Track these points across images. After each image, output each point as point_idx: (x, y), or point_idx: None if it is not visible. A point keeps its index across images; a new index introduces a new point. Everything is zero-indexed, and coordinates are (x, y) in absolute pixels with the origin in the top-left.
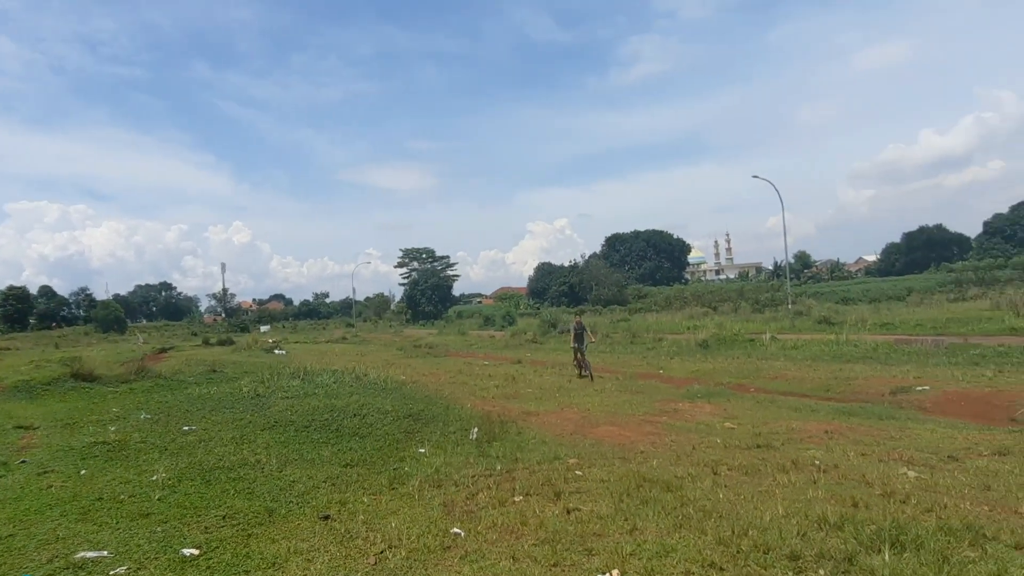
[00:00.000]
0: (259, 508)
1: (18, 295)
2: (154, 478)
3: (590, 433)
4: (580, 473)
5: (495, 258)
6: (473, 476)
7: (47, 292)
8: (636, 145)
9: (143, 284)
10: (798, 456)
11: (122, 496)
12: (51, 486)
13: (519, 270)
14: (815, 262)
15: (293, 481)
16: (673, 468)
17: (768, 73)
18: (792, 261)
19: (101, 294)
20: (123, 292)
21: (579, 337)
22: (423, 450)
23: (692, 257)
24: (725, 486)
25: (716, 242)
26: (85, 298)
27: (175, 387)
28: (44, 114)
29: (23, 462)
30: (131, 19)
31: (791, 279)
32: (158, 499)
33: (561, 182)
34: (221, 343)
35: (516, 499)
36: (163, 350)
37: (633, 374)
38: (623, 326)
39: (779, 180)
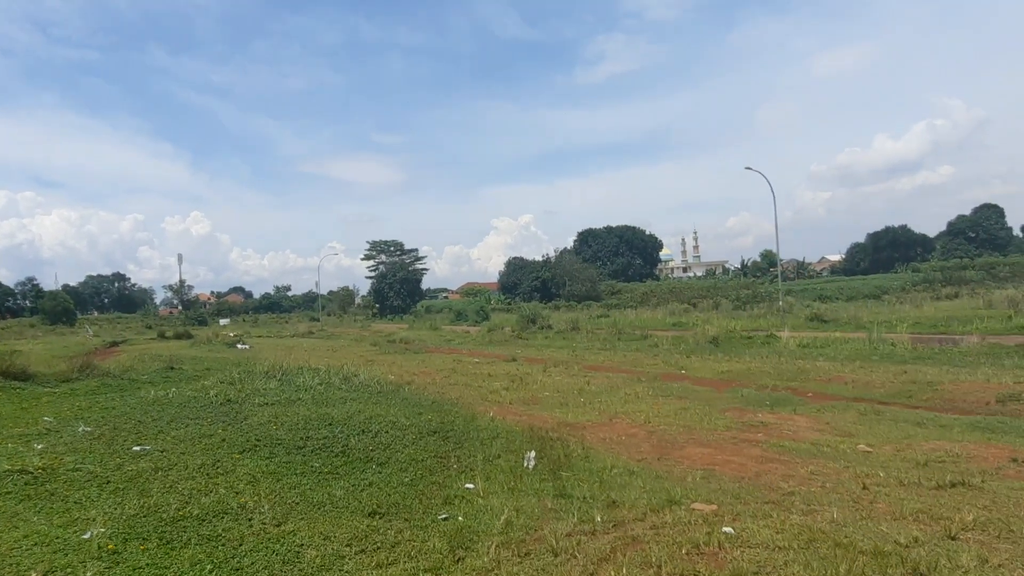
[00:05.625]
0: None
1: None
2: (87, 536)
3: (679, 457)
4: (730, 531)
5: (460, 253)
6: (569, 536)
7: None
8: (600, 143)
9: (95, 275)
10: None
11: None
12: None
13: (483, 266)
14: (779, 261)
15: (301, 545)
16: (870, 524)
17: (729, 74)
18: (759, 259)
19: (50, 285)
20: (74, 283)
21: None
22: (471, 485)
23: (660, 254)
24: (999, 566)
25: (683, 240)
26: (32, 288)
27: (125, 388)
28: None
29: None
30: (84, 0)
31: (757, 277)
32: None
33: (526, 179)
34: (178, 336)
35: None
36: (115, 344)
37: (655, 375)
38: (605, 322)
39: (740, 180)
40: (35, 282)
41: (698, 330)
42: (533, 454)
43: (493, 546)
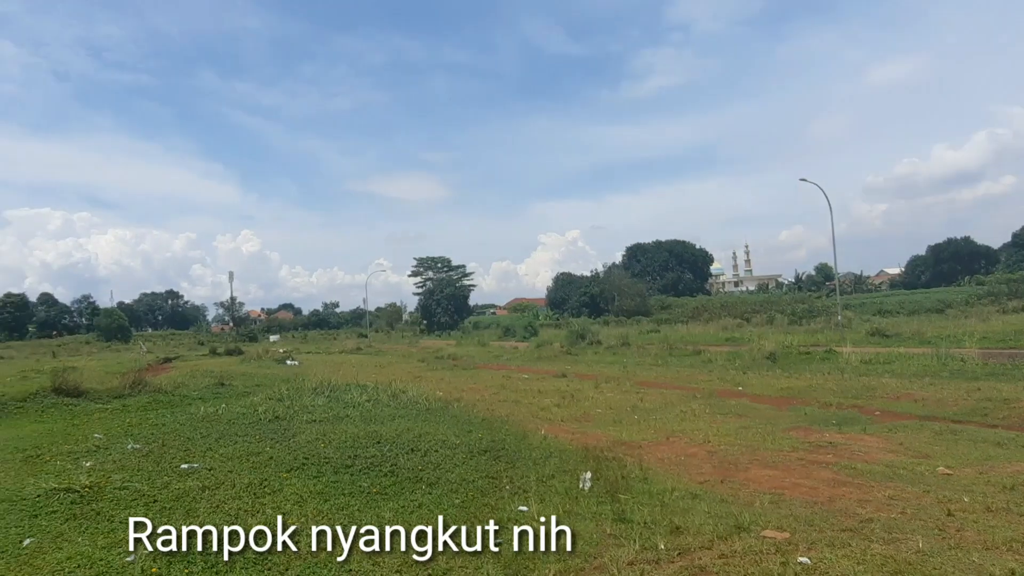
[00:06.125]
0: None
1: (16, 302)
2: (130, 559)
3: (743, 479)
4: (807, 561)
5: (507, 269)
6: (632, 565)
7: (47, 300)
8: (648, 158)
9: (149, 292)
10: None
11: None
12: None
13: (531, 281)
14: (836, 274)
15: (349, 571)
16: (960, 555)
17: (780, 87)
18: (814, 273)
19: (106, 302)
20: (129, 300)
21: None
22: (525, 508)
23: (711, 268)
24: None
25: (735, 253)
26: (88, 306)
27: (176, 404)
28: (45, 120)
29: None
30: (137, 25)
31: (813, 291)
32: None
33: (573, 194)
34: (229, 353)
35: None
36: (167, 360)
37: (711, 391)
38: (656, 337)
39: (792, 193)
40: (91, 300)
41: (753, 345)
42: (589, 475)
43: (551, 575)
